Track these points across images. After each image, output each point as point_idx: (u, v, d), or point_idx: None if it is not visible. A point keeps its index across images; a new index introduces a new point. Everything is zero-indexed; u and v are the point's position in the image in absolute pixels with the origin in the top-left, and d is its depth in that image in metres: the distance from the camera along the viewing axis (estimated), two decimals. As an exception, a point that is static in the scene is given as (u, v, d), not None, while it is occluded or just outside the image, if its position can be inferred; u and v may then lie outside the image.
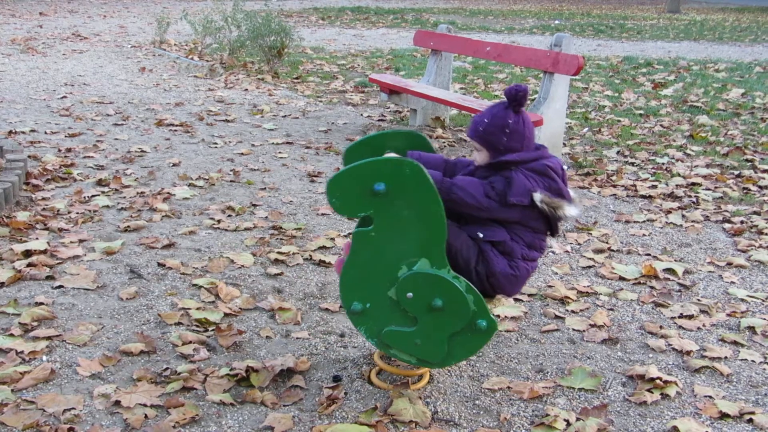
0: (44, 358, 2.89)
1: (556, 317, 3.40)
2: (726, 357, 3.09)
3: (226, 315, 3.29)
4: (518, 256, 2.62)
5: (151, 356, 2.94)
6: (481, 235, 2.59)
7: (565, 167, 2.70)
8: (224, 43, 10.44)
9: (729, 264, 4.08)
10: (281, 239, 4.18)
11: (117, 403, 2.60)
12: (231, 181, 5.19)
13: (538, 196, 2.53)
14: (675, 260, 4.10)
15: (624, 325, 3.36)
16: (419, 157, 2.69)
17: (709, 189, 5.38)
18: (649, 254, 4.17)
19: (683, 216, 4.81)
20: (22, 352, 2.90)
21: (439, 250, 2.46)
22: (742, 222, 4.71)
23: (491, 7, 24.60)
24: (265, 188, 5.05)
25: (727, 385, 2.90)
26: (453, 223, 2.57)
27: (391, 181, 2.38)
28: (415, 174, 2.37)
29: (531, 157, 2.60)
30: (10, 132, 6.11)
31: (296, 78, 9.53)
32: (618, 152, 6.31)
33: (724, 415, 2.68)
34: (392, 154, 2.61)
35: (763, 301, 3.65)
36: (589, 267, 3.98)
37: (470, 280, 2.54)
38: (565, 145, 6.35)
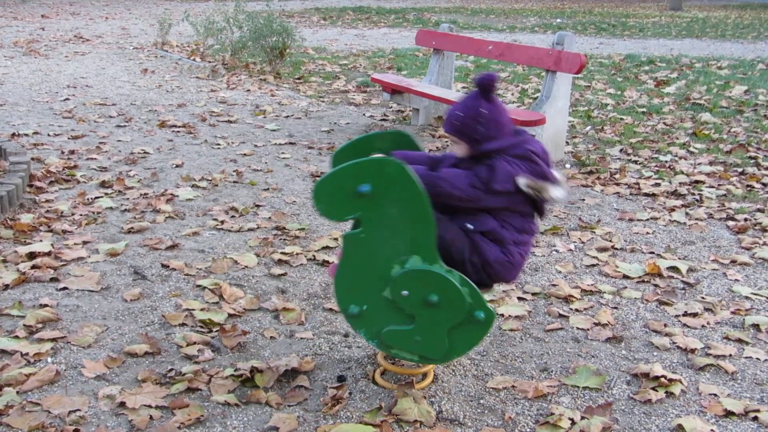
0: (49, 359, 2.90)
1: (560, 316, 3.40)
2: (730, 355, 3.08)
3: (230, 316, 3.29)
4: (510, 242, 2.62)
5: (155, 357, 2.95)
6: (470, 227, 2.59)
7: (546, 149, 2.70)
8: (226, 44, 10.45)
9: (733, 262, 4.07)
10: (284, 240, 4.18)
11: (122, 404, 2.60)
12: (234, 182, 5.20)
13: (522, 181, 2.53)
14: (679, 258, 4.09)
15: (628, 323, 3.36)
16: (404, 156, 2.68)
17: (712, 187, 5.37)
18: (652, 252, 4.17)
19: (687, 214, 4.80)
20: (27, 354, 2.90)
21: (429, 245, 2.46)
22: (745, 219, 4.70)
23: (493, 5, 24.59)
24: (268, 189, 5.05)
25: (732, 383, 2.90)
26: (443, 216, 2.56)
27: (376, 182, 2.39)
28: (399, 172, 2.38)
29: (512, 143, 2.60)
30: (14, 134, 6.13)
31: (298, 78, 9.54)
32: (621, 150, 6.31)
33: (729, 413, 2.67)
34: (378, 155, 2.61)
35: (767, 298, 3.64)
36: (593, 265, 3.98)
37: (465, 271, 2.54)
38: (567, 143, 6.35)
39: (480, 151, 2.60)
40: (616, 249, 4.21)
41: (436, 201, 2.49)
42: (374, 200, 2.41)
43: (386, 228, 2.45)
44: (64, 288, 3.50)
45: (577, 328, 3.29)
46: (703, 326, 3.33)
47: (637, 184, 5.36)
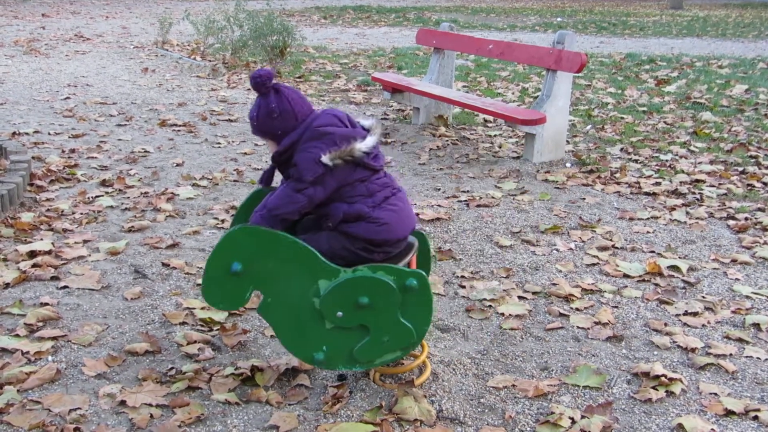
0: (50, 358, 2.90)
1: (561, 315, 3.40)
2: (731, 354, 3.08)
3: (230, 315, 3.30)
4: (368, 210, 2.59)
5: (156, 356, 2.95)
6: (331, 224, 2.60)
7: (344, 112, 2.70)
8: (226, 42, 10.44)
9: (733, 261, 4.07)
10: (285, 238, 4.18)
11: (122, 402, 2.61)
12: (234, 180, 5.20)
13: (325, 158, 2.52)
14: (679, 257, 4.09)
15: (628, 322, 3.36)
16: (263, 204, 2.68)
17: (713, 186, 5.37)
18: (653, 251, 4.17)
19: (687, 213, 4.80)
20: (27, 352, 2.91)
21: (321, 264, 2.49)
22: (746, 219, 4.70)
23: (493, 4, 24.58)
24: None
25: (733, 382, 2.90)
26: (306, 231, 2.62)
27: (238, 256, 2.47)
28: (247, 235, 2.47)
29: (303, 130, 2.60)
30: (14, 133, 6.13)
31: (299, 77, 9.53)
32: (621, 149, 6.30)
33: (729, 413, 2.67)
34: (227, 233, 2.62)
35: (768, 297, 3.64)
36: (593, 264, 3.98)
37: (362, 260, 2.56)
38: (568, 142, 6.35)
39: (284, 149, 2.62)
40: (617, 248, 4.21)
41: (292, 221, 2.58)
42: (250, 268, 2.48)
43: (280, 280, 2.51)
44: (65, 287, 3.50)
45: (578, 327, 3.29)
46: (703, 325, 3.33)
47: (638, 183, 5.36)
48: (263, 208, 2.59)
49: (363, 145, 2.57)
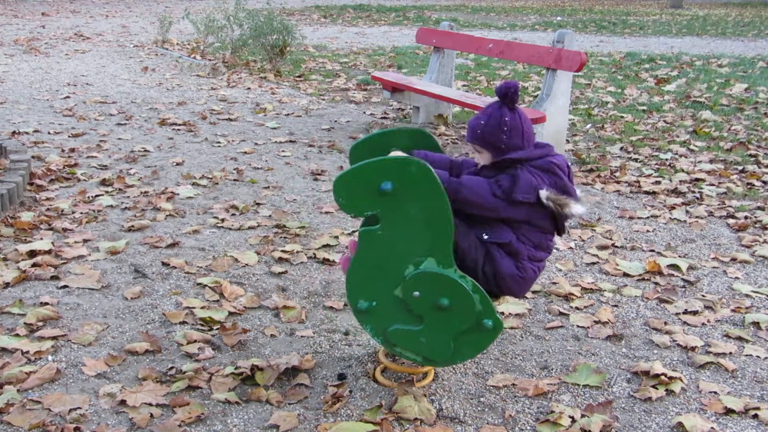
0: (50, 357, 2.90)
1: (561, 314, 3.40)
2: (731, 353, 3.08)
3: (230, 314, 3.30)
4: (525, 257, 2.60)
5: (156, 355, 2.95)
6: (486, 237, 2.58)
7: (570, 165, 2.69)
8: (226, 42, 10.44)
9: (733, 259, 4.07)
10: (285, 238, 4.18)
11: (123, 402, 2.60)
12: (234, 180, 5.20)
13: (544, 193, 2.51)
14: (679, 256, 4.09)
15: (628, 321, 3.36)
16: (425, 156, 2.68)
17: (712, 184, 5.37)
18: (653, 250, 4.17)
19: (687, 212, 4.80)
20: (27, 352, 2.90)
21: (446, 249, 2.45)
22: (746, 217, 4.70)
23: (493, 4, 24.57)
24: (268, 187, 5.05)
25: (732, 380, 2.90)
26: (461, 223, 2.55)
27: (398, 180, 2.37)
28: (423, 173, 2.36)
29: (536, 154, 2.59)
30: (14, 132, 6.13)
31: (299, 76, 9.53)
32: (621, 148, 6.30)
33: (729, 411, 2.67)
34: (398, 153, 2.61)
35: (768, 296, 3.64)
36: (593, 263, 3.98)
37: (477, 280, 2.53)
38: (568, 141, 6.35)
39: (504, 159, 2.58)
40: (617, 247, 4.21)
41: (456, 207, 2.47)
42: (395, 199, 2.39)
43: (405, 228, 2.44)
44: (65, 286, 3.50)
45: (578, 326, 3.29)
46: (703, 324, 3.34)
47: (638, 182, 5.36)
48: (454, 176, 2.56)
49: (576, 209, 2.56)
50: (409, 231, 2.44)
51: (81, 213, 4.43)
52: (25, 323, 3.12)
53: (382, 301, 2.54)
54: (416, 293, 2.49)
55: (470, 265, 2.56)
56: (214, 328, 3.17)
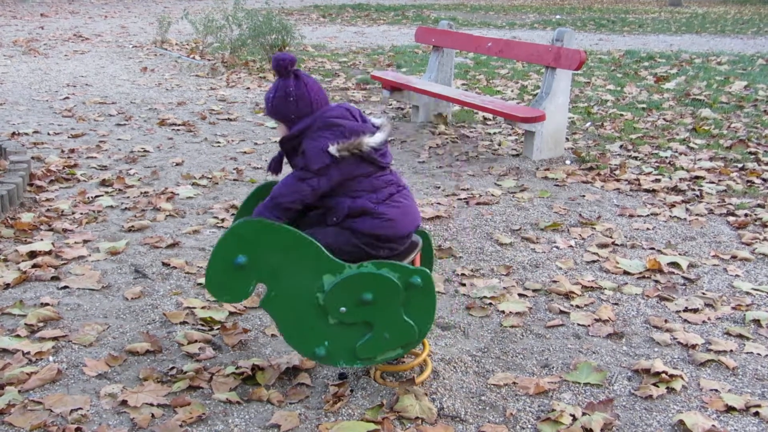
0: (51, 358, 2.90)
1: (561, 312, 3.40)
2: (731, 350, 3.08)
3: (231, 314, 3.30)
4: (373, 205, 2.59)
5: (157, 356, 2.95)
6: (335, 219, 2.60)
7: (357, 108, 2.70)
8: (225, 41, 10.44)
9: (733, 257, 4.07)
10: (285, 237, 4.18)
11: (124, 402, 2.61)
12: (234, 179, 5.20)
13: (333, 149, 2.52)
14: (679, 254, 4.09)
15: (629, 319, 3.36)
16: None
17: (712, 182, 5.37)
18: (653, 248, 4.17)
19: (687, 209, 4.80)
20: (28, 353, 2.91)
21: (326, 260, 2.49)
22: (746, 215, 4.70)
23: (492, 2, 24.57)
24: (268, 187, 5.05)
25: (733, 378, 2.90)
26: (317, 228, 2.60)
27: (242, 248, 2.46)
28: (253, 227, 2.46)
29: (314, 119, 2.61)
30: (14, 133, 6.13)
31: (298, 76, 9.52)
32: (621, 146, 6.30)
33: (730, 409, 2.68)
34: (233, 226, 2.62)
35: (768, 293, 3.64)
36: (593, 262, 3.98)
37: (366, 256, 2.57)
38: (568, 140, 6.35)
39: (292, 134, 2.63)
40: (617, 245, 4.21)
41: (300, 210, 2.57)
42: (254, 261, 2.47)
43: (284, 275, 2.50)
44: (65, 287, 3.50)
45: (578, 325, 3.29)
46: (703, 322, 3.34)
47: (638, 180, 5.36)
48: (268, 198, 2.60)
49: (371, 140, 2.58)
50: (289, 274, 2.50)
51: (81, 213, 4.43)
52: (25, 324, 3.12)
53: (329, 336, 2.57)
54: (342, 309, 2.53)
55: (351, 251, 2.58)
56: (215, 328, 3.17)
